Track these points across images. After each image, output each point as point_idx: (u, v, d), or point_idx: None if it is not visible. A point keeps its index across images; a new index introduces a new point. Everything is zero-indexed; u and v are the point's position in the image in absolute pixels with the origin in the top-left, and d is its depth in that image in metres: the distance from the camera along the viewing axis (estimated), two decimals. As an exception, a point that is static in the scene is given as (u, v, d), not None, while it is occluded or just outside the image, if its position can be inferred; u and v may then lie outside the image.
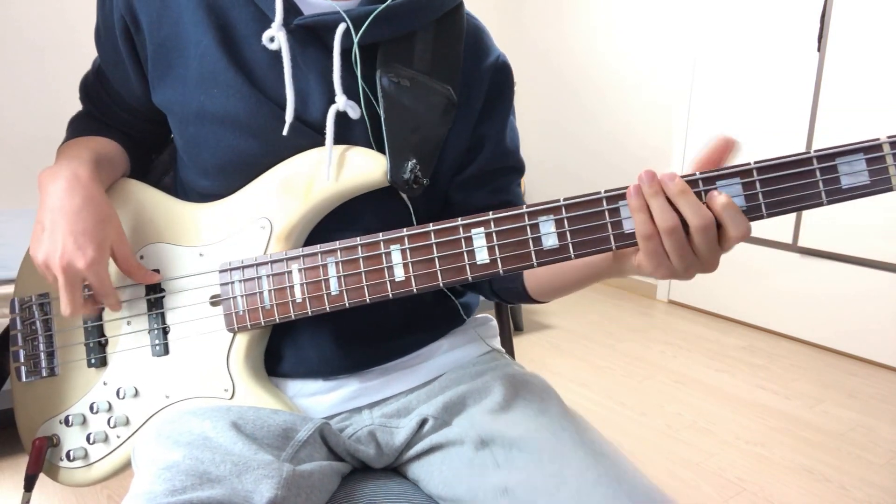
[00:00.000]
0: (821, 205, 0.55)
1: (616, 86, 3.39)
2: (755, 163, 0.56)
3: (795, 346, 2.64)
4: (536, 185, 3.90)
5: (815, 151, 0.55)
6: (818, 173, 0.55)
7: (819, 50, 2.50)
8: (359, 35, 0.65)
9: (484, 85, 0.75)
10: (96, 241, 0.65)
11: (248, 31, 0.67)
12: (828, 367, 2.44)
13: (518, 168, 0.80)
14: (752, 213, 0.56)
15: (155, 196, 0.75)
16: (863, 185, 0.54)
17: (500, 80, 0.77)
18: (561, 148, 3.76)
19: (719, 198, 0.54)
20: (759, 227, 2.78)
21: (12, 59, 2.58)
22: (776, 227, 2.72)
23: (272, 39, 0.65)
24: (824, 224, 2.55)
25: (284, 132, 0.65)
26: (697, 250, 0.55)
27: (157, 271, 0.71)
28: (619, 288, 3.47)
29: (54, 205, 0.66)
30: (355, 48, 0.66)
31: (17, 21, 2.58)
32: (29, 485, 0.75)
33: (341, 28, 0.64)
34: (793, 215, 2.65)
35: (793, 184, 0.55)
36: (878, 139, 0.54)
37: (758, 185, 0.56)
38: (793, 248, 2.67)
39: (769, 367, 2.43)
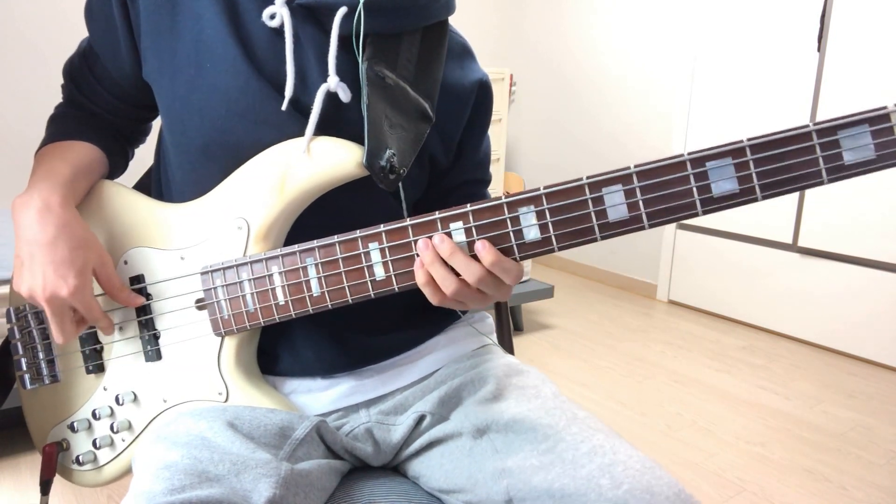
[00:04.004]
0: (821, 184, 0.51)
1: (616, 86, 3.39)
2: (748, 140, 0.52)
3: (795, 346, 2.64)
4: (536, 185, 3.89)
5: (815, 124, 0.50)
6: (818, 149, 0.50)
7: (819, 50, 2.50)
8: (358, 10, 0.65)
9: (468, 105, 0.76)
10: (76, 268, 0.65)
11: (251, 7, 0.67)
12: (828, 367, 2.44)
13: (487, 180, 0.85)
14: (746, 195, 0.52)
15: (133, 199, 0.74)
16: (868, 161, 0.50)
17: (482, 98, 0.78)
18: (561, 148, 3.76)
19: (485, 258, 0.58)
20: (760, 227, 2.78)
21: (12, 59, 2.58)
22: (776, 227, 2.72)
23: (272, 17, 0.66)
24: (824, 224, 2.55)
25: (283, 107, 0.65)
26: (485, 291, 0.60)
27: (142, 276, 0.71)
28: (619, 288, 3.47)
29: (28, 237, 0.65)
30: (359, 28, 0.66)
31: (17, 21, 2.58)
32: (45, 489, 0.76)
33: (341, 11, 0.65)
34: (793, 215, 2.65)
35: (790, 162, 0.51)
36: (885, 108, 0.49)
37: (751, 164, 0.52)
38: (793, 248, 2.67)
39: (769, 367, 2.43)
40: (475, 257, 0.59)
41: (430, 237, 0.59)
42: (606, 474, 0.59)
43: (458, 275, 0.59)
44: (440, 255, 0.59)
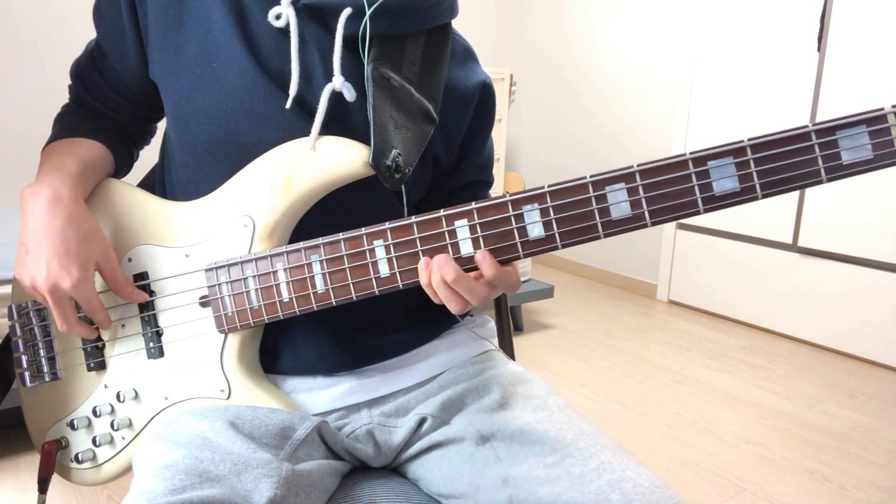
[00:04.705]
0: (820, 182, 0.52)
1: (616, 86, 3.39)
2: (749, 140, 0.53)
3: (795, 346, 2.64)
4: (536, 185, 3.89)
5: (814, 125, 0.52)
6: (817, 149, 0.52)
7: (819, 50, 2.50)
8: (364, 20, 0.66)
9: (471, 106, 0.76)
10: (80, 261, 0.65)
11: (256, 7, 0.68)
12: (828, 367, 2.44)
13: (490, 182, 0.85)
14: (747, 194, 0.53)
15: (138, 197, 0.74)
16: (865, 160, 0.51)
17: (484, 100, 0.78)
18: (561, 148, 3.76)
19: (486, 271, 0.58)
20: (760, 227, 2.78)
21: (11, 58, 2.58)
22: (776, 227, 2.72)
23: (278, 17, 0.66)
24: (824, 224, 2.55)
25: (287, 105, 0.65)
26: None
27: (145, 273, 0.71)
28: (619, 288, 3.47)
29: (36, 227, 0.66)
30: (365, 31, 0.66)
31: (16, 21, 2.58)
32: (42, 487, 0.76)
33: (346, 12, 0.65)
34: (793, 215, 2.65)
35: (790, 161, 0.52)
36: (882, 109, 0.51)
37: (752, 163, 0.53)
38: (793, 248, 2.67)
39: (769, 367, 2.43)
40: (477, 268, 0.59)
41: (435, 256, 0.60)
42: (616, 490, 0.59)
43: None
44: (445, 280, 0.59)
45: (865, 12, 2.34)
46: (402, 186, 0.70)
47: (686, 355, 2.53)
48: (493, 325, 0.88)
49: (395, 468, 0.76)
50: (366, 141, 0.65)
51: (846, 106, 2.43)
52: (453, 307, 0.60)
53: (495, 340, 0.87)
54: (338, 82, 0.65)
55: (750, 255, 2.83)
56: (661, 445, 1.85)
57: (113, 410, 0.73)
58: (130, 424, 0.72)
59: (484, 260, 0.58)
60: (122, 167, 0.80)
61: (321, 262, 0.64)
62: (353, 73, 0.67)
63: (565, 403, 0.73)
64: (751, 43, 2.73)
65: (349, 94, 0.66)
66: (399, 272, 0.62)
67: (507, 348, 1.04)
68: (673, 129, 3.10)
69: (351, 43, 0.67)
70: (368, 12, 0.66)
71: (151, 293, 0.71)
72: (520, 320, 2.78)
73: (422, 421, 0.72)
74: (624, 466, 0.62)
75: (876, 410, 2.10)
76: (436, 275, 0.59)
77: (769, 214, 2.73)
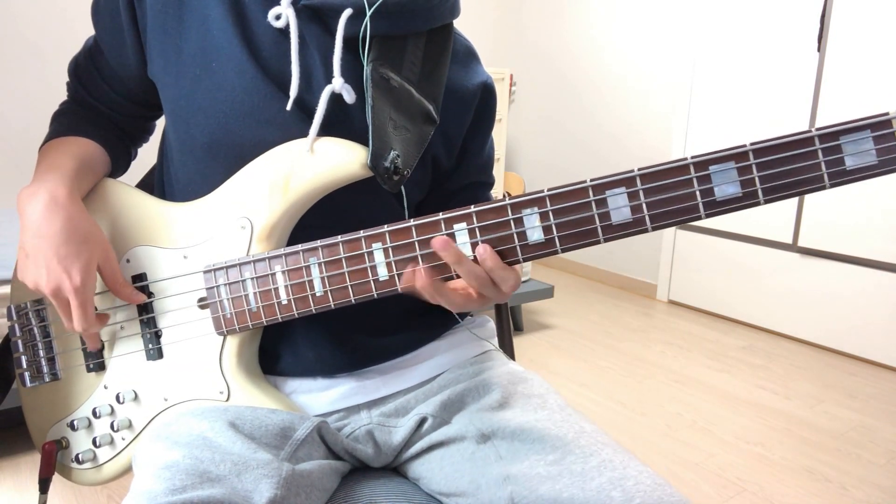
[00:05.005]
0: (823, 188, 0.51)
1: (616, 86, 3.39)
2: (751, 144, 0.52)
3: (795, 346, 2.64)
4: (536, 186, 3.90)
5: (817, 129, 0.51)
6: (820, 154, 0.51)
7: (819, 50, 2.50)
8: (365, 22, 0.66)
9: (472, 107, 0.76)
10: (80, 263, 0.65)
11: (256, 7, 0.68)
12: (828, 367, 2.44)
13: (490, 183, 0.85)
14: (749, 199, 0.53)
15: (137, 198, 0.74)
16: (870, 166, 0.50)
17: (485, 101, 0.78)
18: (561, 148, 3.76)
19: (485, 262, 0.58)
20: (760, 227, 2.78)
21: (12, 59, 2.58)
22: (776, 227, 2.72)
23: (278, 17, 0.66)
24: (824, 224, 2.55)
25: (288, 107, 0.65)
26: (485, 295, 0.61)
27: (144, 275, 0.71)
28: (619, 288, 3.47)
29: (34, 230, 0.65)
30: (365, 32, 0.66)
31: (17, 21, 2.58)
32: (43, 487, 0.76)
33: (347, 13, 0.65)
34: (793, 215, 2.65)
35: (792, 166, 0.51)
36: (887, 114, 0.50)
37: (754, 168, 0.52)
38: (793, 248, 2.67)
39: (769, 367, 2.43)
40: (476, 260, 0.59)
41: (435, 238, 0.59)
42: (618, 487, 0.59)
43: (461, 289, 0.60)
44: (448, 262, 0.58)
45: (865, 12, 2.34)
46: (402, 188, 0.70)
47: (686, 355, 2.53)
48: (492, 325, 0.88)
49: (395, 468, 0.76)
50: (365, 142, 0.65)
51: (846, 106, 2.43)
52: (454, 307, 0.60)
53: (495, 341, 0.87)
54: (337, 84, 0.65)
55: (750, 255, 2.83)
56: (661, 445, 1.85)
57: (113, 411, 0.73)
58: (130, 425, 0.72)
59: (484, 252, 0.58)
60: (119, 166, 0.80)
61: (319, 265, 0.64)
62: (353, 74, 0.67)
63: (565, 402, 0.73)
64: (751, 43, 2.73)
65: (349, 96, 0.66)
66: (398, 275, 0.62)
67: (507, 348, 1.04)
68: (673, 130, 3.10)
69: (351, 44, 0.67)
70: (369, 13, 0.65)
71: (150, 294, 0.71)
72: (520, 320, 2.78)
73: (422, 421, 0.72)
74: (625, 464, 0.62)
75: (876, 410, 2.10)
76: (428, 286, 0.59)
77: (769, 215, 2.73)
